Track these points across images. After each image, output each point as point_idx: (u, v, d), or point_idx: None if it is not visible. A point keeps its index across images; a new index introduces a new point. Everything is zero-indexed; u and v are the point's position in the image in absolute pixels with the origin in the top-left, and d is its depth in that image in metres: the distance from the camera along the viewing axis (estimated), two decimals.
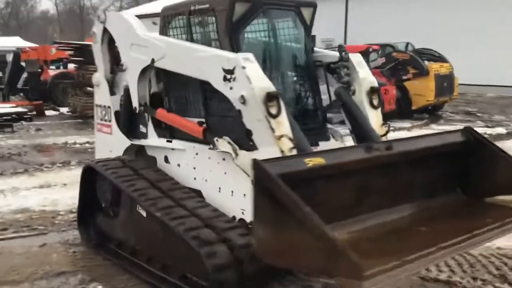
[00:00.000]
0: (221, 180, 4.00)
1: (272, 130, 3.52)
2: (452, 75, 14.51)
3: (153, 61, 4.33)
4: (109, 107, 5.01)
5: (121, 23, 4.76)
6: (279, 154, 3.45)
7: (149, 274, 3.96)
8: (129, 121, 4.86)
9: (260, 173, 2.65)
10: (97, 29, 4.98)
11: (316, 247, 2.45)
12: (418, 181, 3.42)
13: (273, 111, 3.52)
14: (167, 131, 4.51)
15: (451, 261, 4.51)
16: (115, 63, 4.97)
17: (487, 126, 12.62)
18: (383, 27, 24.77)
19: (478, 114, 15.09)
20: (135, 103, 4.65)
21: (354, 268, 2.29)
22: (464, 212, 3.46)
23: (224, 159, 3.90)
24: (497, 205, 3.42)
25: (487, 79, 20.89)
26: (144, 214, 3.95)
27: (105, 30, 4.90)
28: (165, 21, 4.50)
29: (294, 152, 3.44)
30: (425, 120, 13.89)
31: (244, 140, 3.70)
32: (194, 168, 4.24)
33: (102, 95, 5.12)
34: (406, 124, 13.09)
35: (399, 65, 14.21)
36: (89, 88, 12.37)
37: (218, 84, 3.79)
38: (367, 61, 13.36)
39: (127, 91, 4.76)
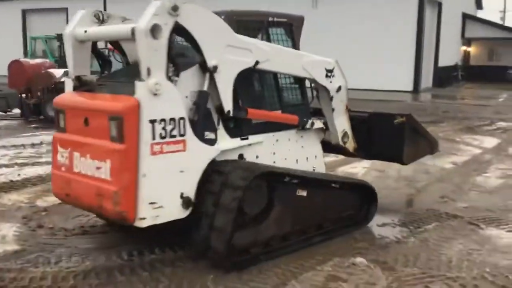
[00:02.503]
0: (298, 153, 5.40)
1: (347, 106, 5.70)
2: None
3: (257, 63, 4.70)
4: (181, 118, 4.17)
5: (207, 19, 4.35)
6: (347, 120, 5.77)
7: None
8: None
9: (412, 120, 5.95)
10: (164, 21, 3.98)
11: (430, 144, 6.34)
12: None
13: None
14: (240, 130, 4.77)
15: None
16: (175, 64, 4.24)
17: None
18: None
19: None
20: (228, 106, 4.51)
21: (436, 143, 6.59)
22: None
23: (302, 136, 5.45)
24: None
25: None
26: (304, 194, 4.89)
27: (175, 25, 4.08)
28: (239, 24, 4.84)
29: None
30: None
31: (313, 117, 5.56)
32: (274, 153, 5.11)
33: (163, 106, 4.06)
34: None
35: None
36: None
37: (321, 79, 5.43)
38: None
39: (203, 94, 4.33)
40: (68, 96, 4.67)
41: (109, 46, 13.99)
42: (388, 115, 6.12)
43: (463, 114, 15.40)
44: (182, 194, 4.23)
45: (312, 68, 5.30)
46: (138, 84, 3.98)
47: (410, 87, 21.91)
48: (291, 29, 5.47)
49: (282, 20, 5.37)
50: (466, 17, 30.48)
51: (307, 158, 5.48)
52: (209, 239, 4.25)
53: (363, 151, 6.04)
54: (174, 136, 4.13)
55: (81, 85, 4.66)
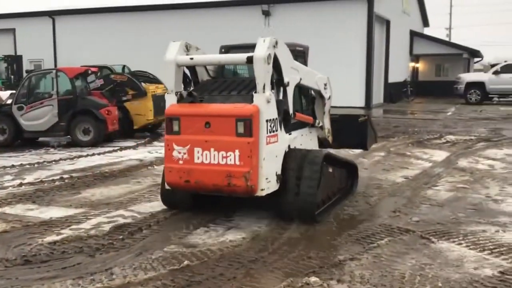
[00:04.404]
0: (308, 144, 7.07)
1: (329, 110, 7.76)
2: None
3: (301, 79, 6.51)
4: (276, 118, 5.91)
5: (286, 50, 6.07)
6: (329, 122, 7.79)
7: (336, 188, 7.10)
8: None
9: (370, 119, 8.36)
10: (271, 52, 5.68)
11: (375, 136, 8.86)
12: None
13: None
14: (287, 128, 6.26)
15: None
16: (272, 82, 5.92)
17: None
18: (93, 49, 26.12)
19: None
20: (291, 110, 6.27)
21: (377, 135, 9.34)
22: None
23: (310, 132, 7.29)
24: None
25: None
26: (331, 170, 6.72)
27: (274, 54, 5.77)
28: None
29: None
30: (147, 138, 14.27)
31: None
32: (301, 144, 6.77)
33: (271, 110, 5.79)
34: (130, 143, 13.39)
35: (118, 86, 14.45)
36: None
37: (323, 91, 7.40)
38: (86, 83, 13.45)
39: (282, 101, 6.06)
40: (179, 107, 6.00)
41: (92, 69, 13.85)
42: (353, 116, 8.77)
43: (413, 129, 15.74)
44: (276, 172, 5.93)
45: (319, 82, 7.30)
46: (257, 95, 5.66)
47: (362, 103, 22.32)
48: (304, 54, 7.32)
49: (300, 49, 7.15)
50: (413, 34, 31.44)
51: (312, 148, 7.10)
52: (297, 200, 5.97)
53: (336, 142, 8.04)
54: (274, 131, 5.86)
55: (181, 98, 6.05)
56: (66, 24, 27.76)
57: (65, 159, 10.97)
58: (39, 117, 12.98)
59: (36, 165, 10.34)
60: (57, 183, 8.59)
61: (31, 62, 27.67)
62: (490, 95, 25.70)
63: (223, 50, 7.09)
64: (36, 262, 4.98)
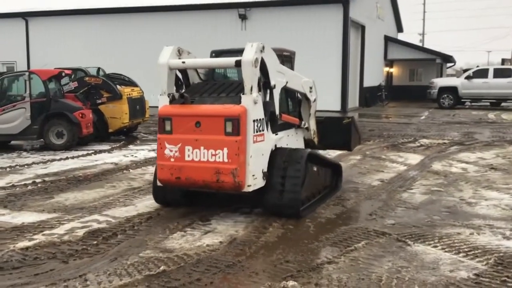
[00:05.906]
0: (295, 145, 7.44)
1: (315, 112, 8.10)
2: (143, 98, 15.29)
3: (287, 82, 6.85)
4: (262, 119, 6.16)
5: (272, 55, 6.37)
6: (315, 124, 8.19)
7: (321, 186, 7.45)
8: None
9: (354, 121, 8.69)
10: (259, 56, 5.93)
11: (360, 137, 9.40)
12: None
13: None
14: (274, 128, 6.59)
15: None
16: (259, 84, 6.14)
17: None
18: (67, 51, 26.02)
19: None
20: (277, 112, 6.60)
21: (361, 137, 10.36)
22: None
23: (297, 132, 7.69)
24: None
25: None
26: (315, 169, 7.04)
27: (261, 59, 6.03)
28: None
29: None
30: (122, 142, 14.18)
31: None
32: (287, 144, 7.09)
33: (258, 111, 6.05)
34: (105, 146, 13.29)
35: (93, 89, 14.32)
36: None
37: (308, 94, 7.76)
38: (60, 86, 13.28)
39: (269, 103, 6.35)
40: (171, 108, 6.23)
41: (66, 71, 13.64)
42: (338, 118, 9.56)
43: (388, 132, 15.90)
44: (262, 169, 6.22)
45: (305, 86, 7.69)
46: (244, 97, 5.92)
47: (338, 107, 22.47)
48: (291, 59, 7.77)
49: (287, 54, 7.57)
50: (388, 39, 31.81)
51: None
52: (282, 197, 6.21)
53: (321, 143, 8.46)
54: (260, 131, 6.12)
55: (173, 99, 6.28)
56: (39, 26, 27.32)
57: (37, 163, 10.77)
58: (11, 120, 12.72)
59: (8, 169, 10.11)
60: (29, 187, 8.42)
61: (3, 64, 27.20)
62: (462, 100, 26.14)
63: (213, 54, 7.33)
64: (8, 268, 4.85)
